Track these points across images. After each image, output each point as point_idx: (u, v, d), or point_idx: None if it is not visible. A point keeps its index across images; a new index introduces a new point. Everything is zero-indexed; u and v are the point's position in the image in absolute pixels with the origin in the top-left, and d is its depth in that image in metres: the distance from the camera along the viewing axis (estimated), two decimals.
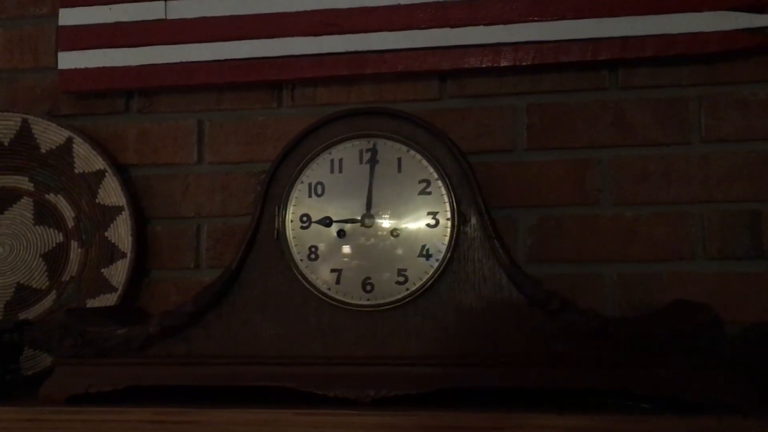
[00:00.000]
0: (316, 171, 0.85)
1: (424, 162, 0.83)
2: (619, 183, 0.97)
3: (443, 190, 0.82)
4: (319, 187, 0.85)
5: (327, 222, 0.84)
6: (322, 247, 0.84)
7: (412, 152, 0.83)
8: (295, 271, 0.84)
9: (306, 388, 0.81)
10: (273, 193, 0.86)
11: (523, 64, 0.97)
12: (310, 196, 0.85)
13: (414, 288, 0.81)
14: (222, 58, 1.03)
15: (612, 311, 0.96)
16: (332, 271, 0.83)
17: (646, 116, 0.97)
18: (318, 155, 0.85)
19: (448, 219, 0.82)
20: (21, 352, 0.94)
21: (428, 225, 0.82)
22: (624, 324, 0.78)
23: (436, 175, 0.82)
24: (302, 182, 0.85)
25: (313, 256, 0.84)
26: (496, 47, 0.97)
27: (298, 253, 0.84)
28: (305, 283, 0.83)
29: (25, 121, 1.06)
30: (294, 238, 0.84)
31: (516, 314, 0.80)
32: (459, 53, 0.99)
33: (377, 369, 0.81)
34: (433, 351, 0.81)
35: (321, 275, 0.83)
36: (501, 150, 1.00)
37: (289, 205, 0.85)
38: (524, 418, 0.74)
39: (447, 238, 0.82)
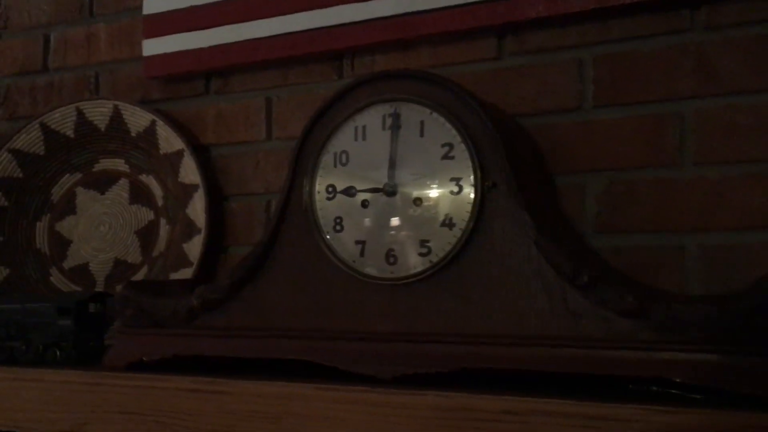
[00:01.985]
0: (341, 139, 0.82)
1: (448, 125, 0.76)
2: (703, 139, 0.83)
3: (467, 155, 0.75)
4: (344, 156, 0.82)
5: (351, 192, 0.81)
6: (346, 218, 0.81)
7: (435, 114, 0.77)
8: (321, 244, 0.81)
9: (330, 362, 0.79)
10: (301, 164, 0.84)
11: (587, 8, 0.86)
12: (335, 165, 0.82)
13: (437, 260, 0.76)
14: (282, 32, 1.03)
15: (694, 288, 0.83)
16: (356, 242, 0.80)
17: (734, 60, 0.82)
18: (342, 123, 0.81)
19: (472, 185, 0.75)
20: (104, 322, 1.01)
21: (452, 192, 0.76)
22: (664, 302, 0.67)
23: (459, 138, 0.76)
24: (328, 152, 0.82)
25: (338, 227, 0.81)
26: None
27: (324, 225, 0.82)
28: (331, 256, 0.81)
29: (116, 107, 1.14)
30: (320, 209, 0.82)
31: (545, 289, 0.71)
32: (513, 4, 0.90)
33: (401, 346, 0.77)
34: (458, 327, 0.75)
35: (346, 247, 0.80)
36: (565, 109, 0.90)
37: (316, 176, 0.83)
38: (540, 403, 0.66)
39: (471, 206, 0.75)
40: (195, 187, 1.08)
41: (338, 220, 0.81)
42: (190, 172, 1.09)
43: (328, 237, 0.81)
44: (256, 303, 0.85)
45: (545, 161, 0.90)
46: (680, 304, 0.66)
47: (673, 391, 0.67)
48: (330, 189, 0.82)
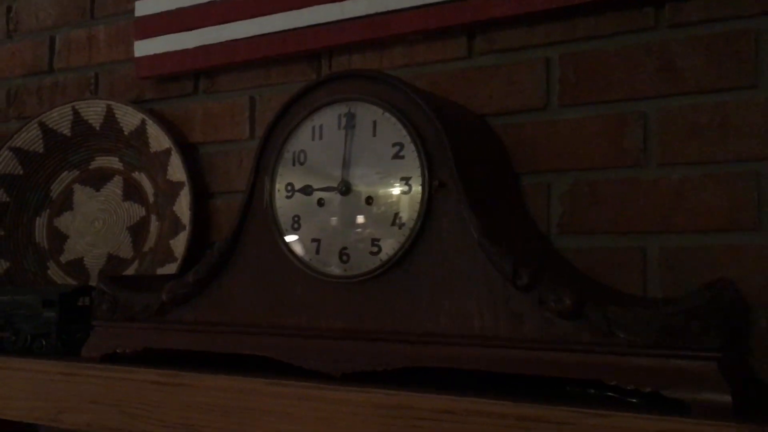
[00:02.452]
0: (300, 139, 0.83)
1: (398, 124, 0.77)
2: (665, 140, 0.82)
3: (416, 154, 0.76)
4: (302, 155, 0.83)
5: (308, 191, 0.82)
6: (304, 216, 0.82)
7: (387, 114, 0.78)
8: (280, 242, 0.83)
9: (285, 358, 0.81)
10: (263, 163, 0.85)
11: (552, 7, 0.86)
12: (294, 164, 0.83)
13: (386, 259, 0.76)
14: (261, 32, 1.05)
15: (655, 291, 0.81)
16: (312, 240, 0.81)
17: (698, 58, 0.80)
18: (301, 123, 0.83)
19: (420, 185, 0.75)
20: (91, 315, 1.05)
21: (402, 191, 0.76)
22: (603, 304, 0.66)
23: (409, 138, 0.76)
24: (288, 151, 0.84)
25: (296, 225, 0.82)
26: None
27: (283, 223, 0.83)
28: (288, 254, 0.82)
29: (109, 107, 1.18)
30: (280, 208, 0.83)
31: (489, 290, 0.71)
32: (481, 3, 0.90)
33: (351, 343, 0.78)
34: (406, 326, 0.75)
35: (303, 245, 0.82)
36: (532, 108, 0.89)
37: (276, 174, 0.84)
38: (476, 403, 0.67)
39: (419, 206, 0.75)
40: (181, 185, 1.11)
41: (296, 219, 0.83)
42: (177, 170, 1.12)
43: (286, 235, 0.83)
44: (221, 299, 0.87)
45: (512, 161, 0.90)
46: (616, 307, 0.65)
47: (610, 394, 0.67)
48: (289, 188, 0.83)
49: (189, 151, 1.15)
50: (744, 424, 0.57)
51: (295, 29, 1.02)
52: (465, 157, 0.76)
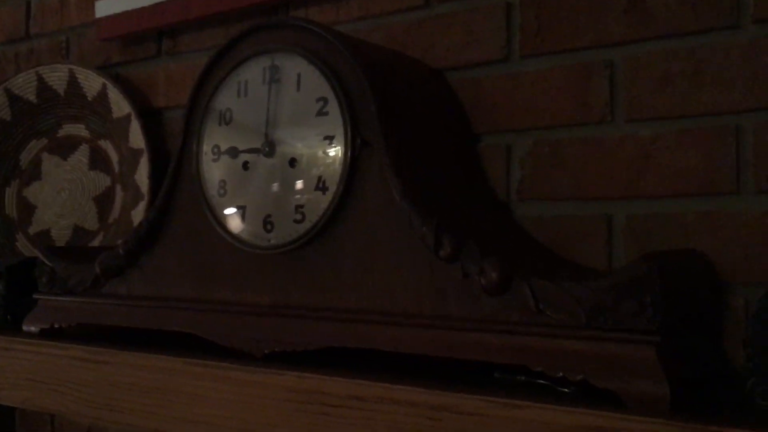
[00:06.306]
0: (226, 97, 0.76)
1: (322, 77, 0.69)
2: (633, 92, 0.71)
3: (339, 110, 0.67)
4: (228, 114, 0.76)
5: (233, 153, 0.75)
6: (229, 181, 0.75)
7: (311, 67, 0.70)
8: (206, 210, 0.76)
9: (210, 336, 0.74)
10: (191, 125, 0.78)
11: None
12: (220, 125, 0.76)
13: (309, 227, 0.69)
14: None
15: (621, 265, 0.72)
16: (238, 208, 0.74)
17: None
18: (226, 78, 0.75)
19: (343, 144, 0.67)
20: None
21: (325, 152, 0.69)
22: (534, 278, 0.57)
23: (332, 93, 0.68)
24: (214, 110, 0.76)
25: (222, 191, 0.76)
26: None
27: (210, 189, 0.76)
28: (214, 223, 0.75)
29: (71, 71, 1.12)
30: (206, 172, 0.77)
31: (413, 262, 0.63)
32: None
33: (275, 320, 0.71)
34: (330, 302, 0.68)
35: (229, 213, 0.75)
36: (491, 61, 0.80)
37: (203, 137, 0.77)
38: (387, 389, 0.59)
39: (341, 168, 0.67)
40: (140, 152, 1.05)
41: (222, 184, 0.76)
42: (136, 136, 1.06)
43: (213, 201, 0.76)
44: (153, 272, 0.81)
45: (471, 121, 0.81)
46: (545, 281, 0.56)
47: (542, 381, 0.58)
48: (215, 150, 0.76)
49: (152, 117, 1.09)
50: (674, 420, 0.48)
51: None
52: (395, 113, 0.68)
